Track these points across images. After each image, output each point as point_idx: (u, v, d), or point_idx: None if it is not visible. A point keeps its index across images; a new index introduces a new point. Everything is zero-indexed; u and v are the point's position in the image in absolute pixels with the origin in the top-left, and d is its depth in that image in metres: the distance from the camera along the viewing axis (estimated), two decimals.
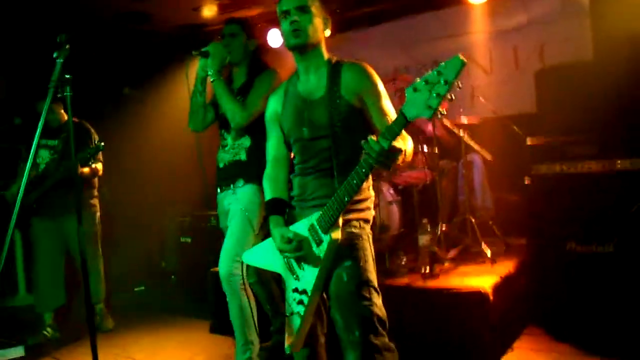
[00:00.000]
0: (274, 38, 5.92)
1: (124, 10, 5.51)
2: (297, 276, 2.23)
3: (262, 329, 3.27)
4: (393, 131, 1.83)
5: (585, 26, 4.88)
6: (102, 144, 4.19)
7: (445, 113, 1.75)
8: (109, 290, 4.74)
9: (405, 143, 2.00)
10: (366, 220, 2.29)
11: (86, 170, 4.34)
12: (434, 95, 1.69)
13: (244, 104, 3.09)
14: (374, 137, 1.86)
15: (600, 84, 3.99)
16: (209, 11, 5.75)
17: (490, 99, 4.87)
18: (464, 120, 4.40)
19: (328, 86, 2.24)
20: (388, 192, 4.20)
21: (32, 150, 2.35)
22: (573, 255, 3.64)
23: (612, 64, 4.26)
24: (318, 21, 2.28)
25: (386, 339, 2.11)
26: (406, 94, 1.76)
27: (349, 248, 2.17)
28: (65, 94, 2.41)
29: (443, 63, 1.69)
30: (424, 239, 3.82)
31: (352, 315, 2.09)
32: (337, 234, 2.10)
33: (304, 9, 2.24)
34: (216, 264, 4.51)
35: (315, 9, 2.27)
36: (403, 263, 3.83)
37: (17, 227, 5.07)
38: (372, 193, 2.36)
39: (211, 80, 3.09)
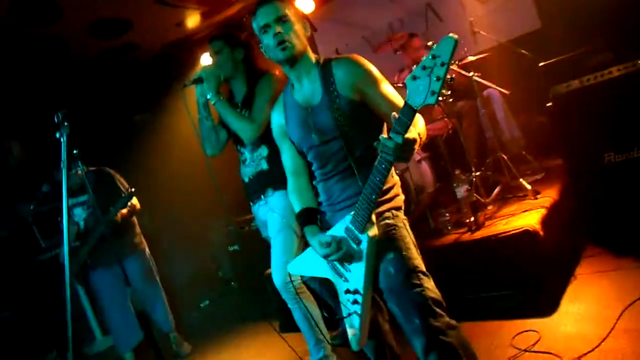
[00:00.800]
0: None
1: (111, 46, 5.54)
2: (345, 278, 2.26)
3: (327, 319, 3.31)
4: (403, 123, 1.81)
5: None
6: (133, 189, 4.25)
7: (448, 94, 1.74)
8: (177, 316, 4.87)
9: (417, 127, 1.98)
10: (398, 208, 2.30)
11: (124, 211, 4.42)
12: (434, 79, 1.69)
13: (250, 117, 3.08)
14: (385, 135, 1.85)
15: None
16: (192, 22, 5.74)
17: (492, 28, 4.74)
18: (471, 58, 4.30)
19: (324, 89, 2.23)
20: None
21: (64, 219, 2.42)
22: (614, 165, 3.57)
23: None
24: (299, 27, 2.26)
25: (446, 318, 2.11)
26: (407, 84, 1.76)
27: (388, 240, 2.18)
28: (77, 169, 2.44)
29: (435, 46, 1.69)
30: (461, 190, 3.78)
31: (408, 304, 2.11)
32: (373, 231, 2.12)
33: (282, 19, 2.22)
34: (269, 266, 4.63)
35: (292, 16, 2.25)
36: (447, 219, 3.81)
37: (79, 283, 5.31)
38: (396, 178, 2.36)
39: (212, 103, 3.09)
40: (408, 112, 1.79)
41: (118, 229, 4.33)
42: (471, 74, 4.19)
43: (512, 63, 4.60)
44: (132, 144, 6.01)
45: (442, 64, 1.66)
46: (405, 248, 2.19)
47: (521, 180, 3.93)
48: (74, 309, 5.52)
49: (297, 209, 2.42)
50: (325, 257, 2.24)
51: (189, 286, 6.22)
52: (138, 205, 4.57)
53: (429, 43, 4.06)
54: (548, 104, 3.83)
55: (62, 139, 2.35)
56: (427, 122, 4.18)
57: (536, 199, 3.72)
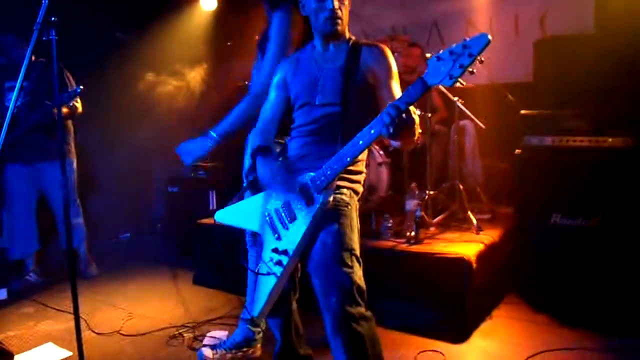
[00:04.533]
0: None
1: None
2: (279, 236, 2.21)
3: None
4: (410, 95, 1.83)
5: None
6: (81, 87, 4.02)
7: (465, 84, 1.77)
8: (91, 240, 4.71)
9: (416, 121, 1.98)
10: (356, 192, 2.32)
11: (65, 110, 4.20)
12: (457, 65, 1.73)
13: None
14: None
15: (599, 58, 3.96)
16: None
17: (487, 65, 4.79)
18: (459, 85, 4.34)
19: (347, 58, 2.30)
20: (378, 153, 4.18)
21: (14, 93, 2.29)
22: (557, 227, 3.68)
23: (613, 38, 4.21)
24: (348, 2, 2.33)
25: (363, 309, 2.09)
26: (428, 63, 1.80)
27: (336, 214, 2.17)
28: (50, 37, 2.33)
29: (468, 38, 1.73)
30: (411, 204, 3.83)
31: (332, 280, 2.09)
32: (330, 196, 2.10)
33: None
34: (202, 216, 4.55)
35: None
36: (390, 225, 3.84)
37: None
38: (365, 170, 2.40)
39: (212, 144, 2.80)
40: (419, 87, 1.81)
41: (50, 125, 4.10)
42: (456, 98, 4.26)
43: (494, 103, 4.68)
44: (107, 60, 5.77)
45: (470, 55, 1.71)
46: (350, 228, 2.19)
47: (469, 213, 4.00)
48: None
49: (256, 144, 2.37)
50: (272, 180, 2.20)
51: (111, 217, 6.02)
52: (80, 109, 4.36)
53: (428, 55, 4.10)
54: (517, 151, 3.92)
55: (44, 1, 2.22)
56: None
57: (478, 234, 3.79)
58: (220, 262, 4.14)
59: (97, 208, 5.53)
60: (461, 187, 4.19)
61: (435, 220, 4.04)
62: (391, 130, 1.85)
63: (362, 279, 2.14)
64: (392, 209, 4.18)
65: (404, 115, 1.85)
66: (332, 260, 2.09)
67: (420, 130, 2.04)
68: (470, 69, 1.74)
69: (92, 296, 4.05)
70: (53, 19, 2.25)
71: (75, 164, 4.50)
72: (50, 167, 4.28)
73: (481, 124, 4.28)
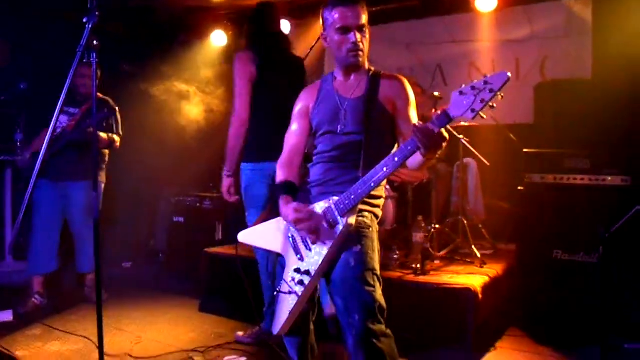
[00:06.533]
0: (282, 29, 5.99)
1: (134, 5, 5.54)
2: (301, 256, 2.31)
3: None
4: (434, 125, 1.96)
5: (587, 45, 5.06)
6: (106, 110, 4.21)
7: (485, 117, 1.88)
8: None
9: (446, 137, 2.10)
10: (376, 216, 2.43)
11: (104, 135, 4.34)
12: (479, 100, 1.86)
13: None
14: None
15: (596, 101, 4.18)
16: None
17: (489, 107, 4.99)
18: (464, 124, 4.53)
19: (368, 89, 2.42)
20: (385, 187, 4.29)
21: (56, 114, 2.39)
22: (559, 262, 3.79)
23: (609, 83, 4.45)
24: (369, 36, 2.45)
25: (384, 327, 2.19)
26: (452, 96, 1.92)
27: (359, 236, 2.27)
28: (91, 60, 2.45)
29: (489, 75, 1.86)
30: (418, 236, 3.94)
31: (355, 299, 2.16)
32: (352, 219, 2.21)
33: (364, 28, 2.40)
34: (209, 245, 4.63)
35: (367, 23, 2.42)
36: (396, 257, 3.93)
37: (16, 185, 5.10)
38: (384, 195, 2.52)
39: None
40: (443, 118, 1.95)
41: (85, 145, 4.22)
42: (460, 136, 4.42)
43: (498, 143, 4.84)
44: (114, 92, 5.90)
45: (491, 91, 1.84)
46: (372, 249, 2.28)
47: (473, 247, 4.11)
48: None
49: (281, 178, 2.48)
50: (296, 222, 2.28)
51: (113, 245, 6.05)
52: (117, 143, 4.50)
53: (436, 93, 4.29)
54: (520, 188, 4.06)
55: (87, 25, 2.35)
56: (406, 167, 4.42)
57: (482, 267, 3.89)
58: (228, 289, 4.19)
59: (108, 235, 5.58)
60: (465, 222, 4.31)
61: (441, 253, 4.14)
62: (423, 148, 1.98)
63: (383, 298, 2.22)
64: (398, 242, 4.28)
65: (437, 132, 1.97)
66: (355, 280, 2.18)
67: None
68: (491, 104, 1.87)
69: None
70: (95, 42, 2.36)
71: (103, 187, 4.60)
72: (77, 187, 4.37)
73: (486, 162, 4.43)
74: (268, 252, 3.03)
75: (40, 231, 4.42)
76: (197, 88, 5.88)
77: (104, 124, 4.37)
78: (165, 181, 6.33)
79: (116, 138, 4.48)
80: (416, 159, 2.11)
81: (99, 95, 4.42)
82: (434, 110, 4.38)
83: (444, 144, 2.04)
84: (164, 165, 6.35)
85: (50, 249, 4.45)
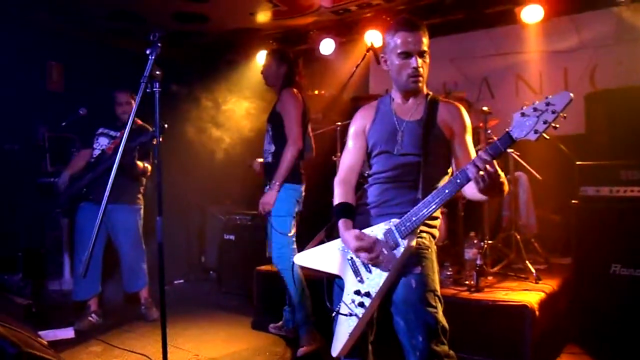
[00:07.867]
0: (326, 47, 6.08)
1: (183, 10, 5.69)
2: (361, 278, 2.32)
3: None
4: (496, 147, 1.97)
5: (638, 52, 4.94)
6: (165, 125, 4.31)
7: (548, 138, 1.88)
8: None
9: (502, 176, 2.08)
10: (434, 236, 2.45)
11: (139, 163, 4.46)
12: (542, 121, 1.87)
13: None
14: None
15: None
16: (263, 16, 5.90)
17: None
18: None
19: (426, 112, 2.45)
20: None
21: (122, 143, 2.48)
22: (617, 277, 3.70)
23: None
24: (429, 61, 2.46)
25: (447, 347, 2.20)
26: (514, 118, 1.93)
27: (419, 257, 2.28)
28: (154, 89, 2.54)
29: (551, 95, 1.87)
30: (470, 252, 3.89)
31: (418, 320, 2.17)
32: (414, 241, 2.22)
33: (424, 53, 2.41)
34: (260, 262, 4.68)
35: (428, 48, 2.43)
36: (450, 274, 3.91)
37: (64, 215, 5.29)
38: (440, 216, 2.55)
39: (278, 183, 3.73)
40: (506, 140, 1.96)
41: (125, 169, 4.29)
42: (510, 150, 4.37)
43: (549, 156, 4.76)
44: (163, 111, 6.05)
45: (553, 112, 1.85)
46: (432, 270, 2.29)
47: (527, 262, 4.04)
48: (53, 241, 5.54)
49: (338, 200, 2.51)
50: (357, 250, 2.29)
51: (168, 263, 6.16)
52: (149, 171, 4.62)
53: (485, 108, 4.26)
54: (573, 201, 3.99)
55: (150, 57, 2.45)
56: None
57: (537, 283, 3.82)
58: (280, 307, 4.23)
59: (150, 254, 5.70)
60: (518, 237, 4.24)
61: (494, 269, 4.09)
62: (481, 181, 1.97)
63: (444, 318, 2.22)
64: (449, 258, 4.25)
65: (488, 166, 1.97)
66: (417, 301, 2.19)
67: (506, 184, 2.13)
68: (554, 124, 1.87)
69: (156, 338, 4.13)
70: (158, 72, 2.45)
71: (142, 211, 4.72)
72: (120, 209, 4.49)
73: (537, 175, 4.37)
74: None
75: (83, 253, 4.51)
76: (244, 107, 6.00)
77: (141, 150, 4.43)
78: (213, 199, 6.44)
79: (148, 167, 4.58)
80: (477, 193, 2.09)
81: (138, 121, 4.56)
82: (482, 125, 4.35)
83: (503, 181, 2.04)
84: (212, 183, 6.48)
85: (95, 274, 4.53)
